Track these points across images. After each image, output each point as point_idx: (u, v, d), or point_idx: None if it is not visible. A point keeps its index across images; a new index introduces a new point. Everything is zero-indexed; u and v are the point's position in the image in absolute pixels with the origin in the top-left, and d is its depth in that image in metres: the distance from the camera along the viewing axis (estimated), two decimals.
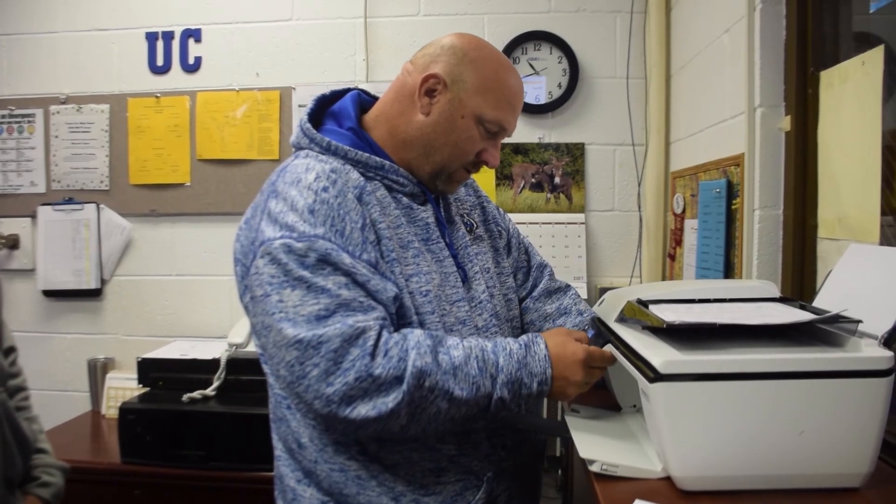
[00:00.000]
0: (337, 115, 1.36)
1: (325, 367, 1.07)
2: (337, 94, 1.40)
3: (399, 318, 1.21)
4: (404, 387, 1.08)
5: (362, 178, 1.25)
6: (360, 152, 1.27)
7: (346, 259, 1.13)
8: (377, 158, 1.28)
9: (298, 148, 1.32)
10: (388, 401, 1.08)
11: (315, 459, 1.23)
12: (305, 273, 1.11)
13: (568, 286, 1.60)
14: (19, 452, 1.34)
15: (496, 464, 1.28)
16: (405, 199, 1.30)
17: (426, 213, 1.32)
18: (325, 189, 1.18)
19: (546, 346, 1.20)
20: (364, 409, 1.08)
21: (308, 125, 1.31)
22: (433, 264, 1.28)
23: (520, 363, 1.17)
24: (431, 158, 1.30)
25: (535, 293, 1.56)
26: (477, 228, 1.46)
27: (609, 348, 1.20)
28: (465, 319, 1.29)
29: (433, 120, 1.28)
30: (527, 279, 1.58)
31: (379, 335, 1.10)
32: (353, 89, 1.40)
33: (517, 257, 1.57)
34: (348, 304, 1.11)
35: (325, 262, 1.12)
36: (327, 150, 1.27)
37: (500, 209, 1.62)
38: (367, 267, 1.15)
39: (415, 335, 1.13)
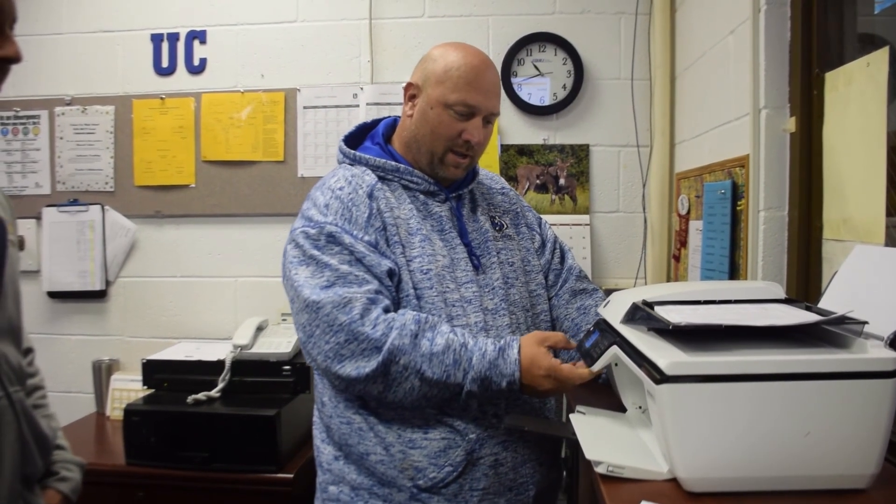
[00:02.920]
0: (372, 136, 1.65)
1: (323, 328, 1.36)
2: (378, 121, 1.69)
3: (400, 290, 1.44)
4: (380, 357, 1.32)
5: (377, 180, 1.52)
6: (379, 159, 1.55)
7: (347, 239, 1.41)
8: (393, 163, 1.54)
9: (339, 163, 1.63)
10: (367, 366, 1.33)
11: (331, 415, 1.50)
12: (316, 252, 1.41)
13: (595, 289, 1.75)
14: (38, 451, 1.36)
15: (484, 428, 1.44)
16: (422, 197, 1.55)
17: (440, 209, 1.55)
18: (340, 188, 1.49)
19: (519, 352, 1.37)
20: (349, 368, 1.35)
21: (342, 144, 1.62)
22: (443, 250, 1.50)
23: (490, 364, 1.36)
24: (422, 149, 1.55)
25: (560, 291, 1.72)
26: (507, 229, 1.67)
27: (614, 350, 1.20)
28: (471, 299, 1.49)
29: (415, 119, 1.55)
30: (557, 279, 1.74)
31: (367, 305, 1.35)
32: (390, 117, 1.69)
33: (550, 259, 1.74)
34: (345, 277, 1.38)
35: (332, 242, 1.41)
36: (355, 161, 1.58)
37: (543, 220, 1.82)
38: (367, 246, 1.42)
39: (405, 318, 1.36)
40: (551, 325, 1.68)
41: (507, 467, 1.45)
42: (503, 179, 1.81)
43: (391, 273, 1.43)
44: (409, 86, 1.56)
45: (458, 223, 1.57)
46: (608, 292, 1.56)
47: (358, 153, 1.58)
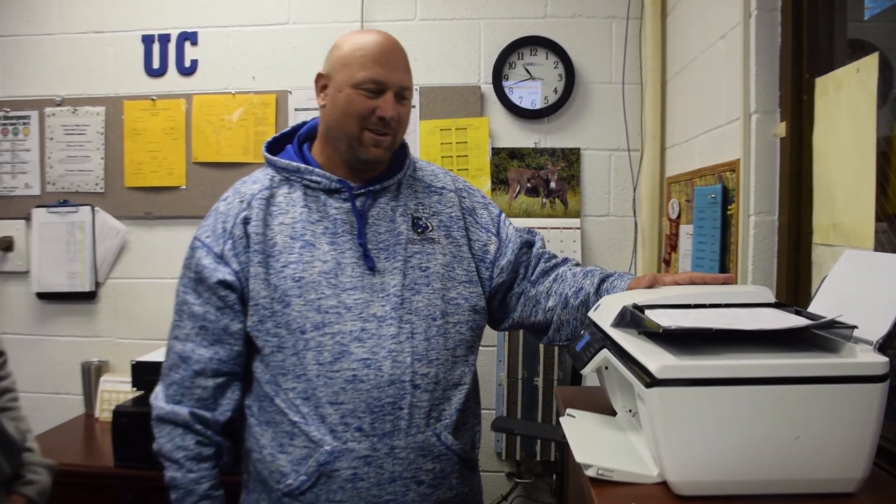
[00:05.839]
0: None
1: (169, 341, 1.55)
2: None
3: (253, 300, 1.45)
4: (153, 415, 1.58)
5: (268, 186, 1.51)
6: (282, 161, 1.52)
7: (199, 253, 1.49)
8: (295, 164, 1.51)
9: None
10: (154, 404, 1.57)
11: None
12: (182, 272, 1.53)
13: (565, 259, 1.67)
14: (4, 455, 1.34)
15: (343, 441, 1.40)
16: (323, 196, 1.50)
17: (337, 209, 1.49)
18: (224, 199, 1.53)
19: None
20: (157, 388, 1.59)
21: (264, 146, 1.59)
22: (328, 254, 1.45)
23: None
24: (339, 136, 1.48)
25: (533, 277, 1.63)
26: (431, 231, 1.55)
27: (604, 353, 1.20)
28: (352, 306, 1.43)
29: (328, 108, 1.49)
30: (528, 269, 1.64)
31: (177, 362, 1.53)
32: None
33: (517, 255, 1.62)
34: (180, 321, 1.51)
35: (190, 258, 1.51)
36: (268, 164, 1.56)
37: (503, 217, 1.68)
38: (214, 258, 1.47)
39: (179, 414, 1.55)
40: (512, 319, 1.63)
41: (370, 483, 1.40)
42: (451, 176, 1.68)
43: (225, 284, 1.46)
44: (318, 77, 1.52)
45: (357, 222, 1.49)
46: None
47: (269, 156, 1.55)
